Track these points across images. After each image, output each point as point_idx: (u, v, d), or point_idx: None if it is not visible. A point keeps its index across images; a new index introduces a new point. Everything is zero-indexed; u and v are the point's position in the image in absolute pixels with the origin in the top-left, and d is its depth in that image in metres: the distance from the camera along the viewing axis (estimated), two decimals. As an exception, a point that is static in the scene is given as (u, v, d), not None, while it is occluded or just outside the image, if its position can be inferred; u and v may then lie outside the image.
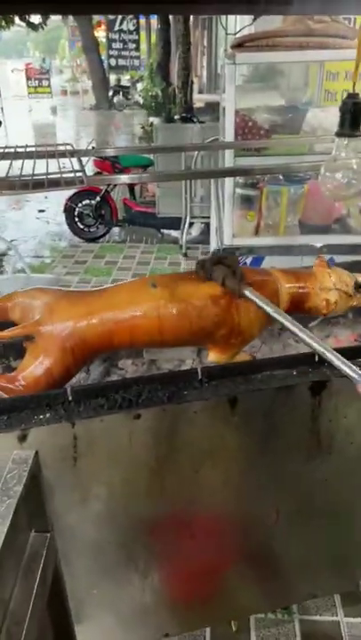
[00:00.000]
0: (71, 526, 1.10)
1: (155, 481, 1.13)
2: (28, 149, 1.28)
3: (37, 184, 0.93)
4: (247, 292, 1.11)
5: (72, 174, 0.95)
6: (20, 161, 1.21)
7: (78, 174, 0.95)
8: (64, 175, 0.94)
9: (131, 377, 1.22)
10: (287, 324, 1.06)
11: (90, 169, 5.84)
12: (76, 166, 1.05)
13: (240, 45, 2.17)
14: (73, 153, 1.15)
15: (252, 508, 1.25)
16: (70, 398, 1.06)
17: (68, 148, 1.26)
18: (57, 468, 1.03)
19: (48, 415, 1.04)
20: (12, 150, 1.29)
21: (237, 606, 1.48)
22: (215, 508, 1.22)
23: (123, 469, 1.10)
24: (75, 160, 1.13)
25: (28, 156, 1.24)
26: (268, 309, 1.08)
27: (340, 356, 1.00)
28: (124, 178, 1.78)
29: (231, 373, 1.14)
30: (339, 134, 1.02)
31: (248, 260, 2.11)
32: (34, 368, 1.13)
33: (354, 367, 0.98)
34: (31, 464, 0.87)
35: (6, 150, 1.31)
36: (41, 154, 1.22)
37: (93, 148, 1.27)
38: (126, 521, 1.15)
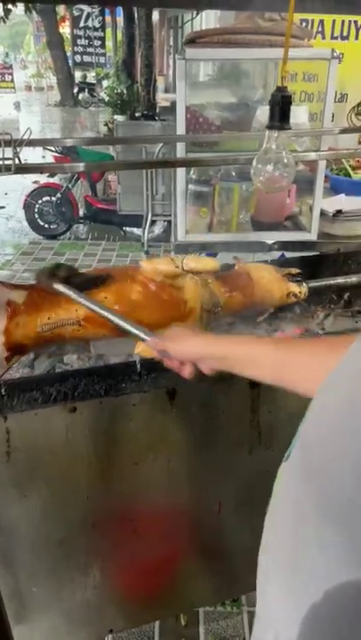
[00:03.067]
0: (8, 524, 1.07)
1: (94, 475, 1.12)
2: None
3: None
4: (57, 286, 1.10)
5: (0, 162, 0.93)
6: None
7: (7, 162, 0.93)
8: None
9: (67, 370, 1.20)
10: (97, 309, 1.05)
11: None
12: (9, 155, 1.03)
13: (192, 41, 2.17)
14: (9, 142, 1.12)
15: (195, 500, 1.25)
16: (3, 392, 1.04)
17: (7, 137, 1.23)
18: (-11, 464, 1.00)
19: (-21, 409, 1.01)
20: None
21: (185, 599, 1.48)
22: (157, 501, 1.22)
23: (60, 463, 1.08)
24: (10, 149, 1.10)
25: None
26: (81, 300, 1.07)
27: (125, 319, 1.01)
28: (60, 167, 1.74)
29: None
30: (269, 127, 1.03)
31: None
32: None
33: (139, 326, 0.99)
34: None
35: None
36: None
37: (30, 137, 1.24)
38: (66, 516, 1.14)
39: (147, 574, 1.32)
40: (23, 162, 1.16)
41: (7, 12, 11.19)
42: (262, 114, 2.07)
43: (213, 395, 1.13)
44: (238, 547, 1.40)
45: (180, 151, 1.97)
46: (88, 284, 1.14)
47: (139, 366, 1.11)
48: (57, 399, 1.04)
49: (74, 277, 1.13)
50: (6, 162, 0.92)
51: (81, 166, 1.59)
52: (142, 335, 0.97)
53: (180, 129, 1.93)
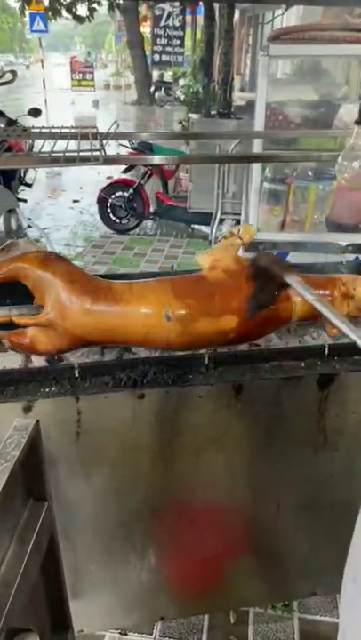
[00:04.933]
0: (71, 499, 1.12)
1: (156, 462, 1.14)
2: (53, 130, 1.30)
3: (54, 160, 0.95)
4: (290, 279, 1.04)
5: (89, 153, 0.97)
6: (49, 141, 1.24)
7: (96, 153, 0.97)
8: (81, 153, 0.96)
9: (138, 357, 1.23)
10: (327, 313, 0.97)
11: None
12: (97, 147, 1.07)
13: (276, 38, 2.15)
14: (96, 135, 1.16)
15: (254, 498, 1.25)
16: (77, 374, 1.08)
17: (93, 130, 1.28)
18: (59, 441, 1.05)
19: (54, 389, 1.06)
20: (41, 131, 1.32)
21: (237, 597, 1.47)
22: (216, 495, 1.23)
23: (125, 448, 1.11)
24: (97, 142, 1.14)
25: (56, 136, 1.27)
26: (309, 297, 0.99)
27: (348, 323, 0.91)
28: (143, 159, 1.78)
29: (238, 360, 1.14)
30: (358, 122, 1.00)
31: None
32: (43, 346, 1.11)
33: None
34: (31, 431, 0.89)
35: (39, 131, 1.34)
36: (65, 135, 1.25)
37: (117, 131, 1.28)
38: (126, 500, 1.17)
39: (201, 566, 1.33)
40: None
41: (92, 10, 11.58)
42: (346, 112, 2.01)
43: (280, 393, 1.12)
44: (293, 551, 1.39)
45: (258, 148, 1.96)
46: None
47: (207, 359, 1.12)
48: (127, 385, 1.06)
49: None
50: (95, 152, 0.96)
51: (158, 159, 1.62)
52: None
53: (259, 126, 1.92)
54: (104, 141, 1.17)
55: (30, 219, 4.24)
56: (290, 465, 1.20)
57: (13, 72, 1.00)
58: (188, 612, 1.51)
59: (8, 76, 1.02)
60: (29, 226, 4.53)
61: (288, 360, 1.15)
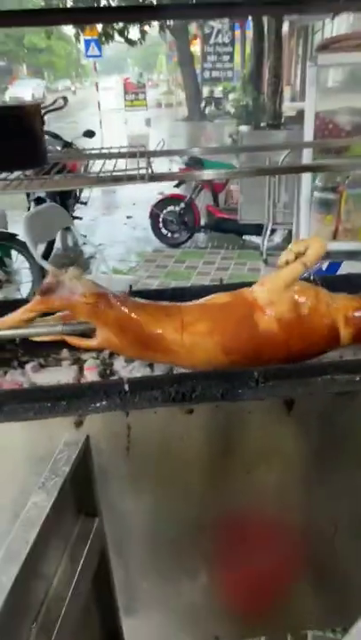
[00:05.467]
0: (121, 515, 1.12)
1: (206, 478, 1.12)
2: (103, 150, 1.34)
3: (101, 180, 0.98)
4: None
5: (136, 171, 0.98)
6: (98, 162, 1.28)
7: (142, 171, 0.98)
8: (128, 172, 0.97)
9: (186, 372, 1.22)
10: None
11: (176, 177, 5.97)
12: (144, 165, 1.09)
13: (325, 47, 2.12)
14: (143, 153, 1.18)
15: (308, 517, 1.20)
16: (127, 389, 1.09)
17: (141, 149, 1.30)
18: (110, 456, 1.06)
19: (104, 403, 1.07)
20: (91, 152, 1.36)
21: (294, 619, 1.42)
22: (268, 513, 1.19)
23: (174, 463, 1.10)
24: (144, 160, 1.16)
25: (105, 156, 1.31)
26: None
27: None
28: (189, 175, 1.79)
29: (289, 375, 1.10)
30: None
31: (324, 266, 2.04)
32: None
33: None
34: (81, 446, 0.90)
35: (89, 152, 1.39)
36: (114, 155, 1.28)
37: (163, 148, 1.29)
38: (176, 516, 1.16)
39: (255, 586, 1.29)
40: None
41: (143, 33, 11.93)
42: None
43: (334, 409, 1.08)
44: (354, 573, 1.32)
45: (307, 158, 1.93)
46: None
47: (256, 373, 1.10)
48: (175, 399, 1.06)
49: None
50: (141, 171, 0.98)
51: (205, 174, 1.62)
52: None
53: (309, 135, 1.89)
54: (151, 159, 1.19)
55: (85, 235, 4.39)
56: (346, 483, 1.15)
57: (64, 98, 1.05)
58: (244, 633, 1.47)
59: (60, 102, 1.06)
60: (85, 243, 4.68)
61: (342, 373, 1.11)
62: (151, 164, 1.15)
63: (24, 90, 27.21)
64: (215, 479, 1.12)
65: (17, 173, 1.07)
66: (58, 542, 0.86)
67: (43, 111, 1.13)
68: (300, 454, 1.12)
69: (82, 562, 0.91)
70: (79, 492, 0.93)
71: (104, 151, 1.34)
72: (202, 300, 1.16)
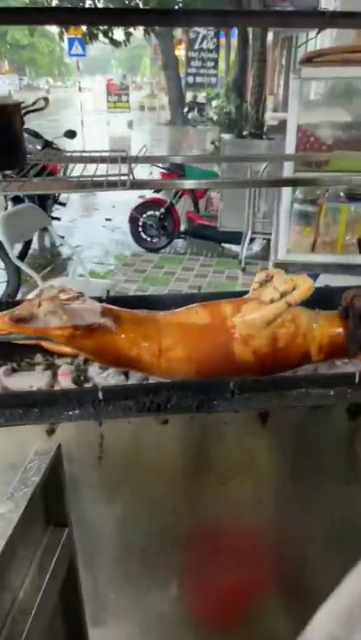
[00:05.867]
0: (92, 525, 1.10)
1: (180, 489, 1.12)
2: (83, 154, 1.32)
3: (81, 185, 0.96)
4: None
5: (117, 177, 0.97)
6: (79, 165, 1.26)
7: (123, 177, 0.97)
8: (108, 178, 0.96)
9: (162, 382, 1.21)
10: None
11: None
12: (125, 171, 1.07)
13: (309, 61, 2.14)
14: (124, 159, 1.17)
15: (281, 530, 1.21)
16: (100, 397, 1.07)
17: (123, 154, 1.29)
18: (81, 465, 1.04)
19: (77, 412, 1.05)
20: (72, 155, 1.34)
21: (262, 633, 1.42)
22: (241, 525, 1.19)
23: (148, 473, 1.09)
24: (125, 165, 1.15)
25: (86, 160, 1.29)
26: None
27: None
28: (187, 183, 1.79)
29: (264, 387, 1.11)
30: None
31: (301, 277, 2.05)
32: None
33: None
34: (52, 456, 0.88)
35: (70, 155, 1.37)
36: (96, 159, 1.26)
37: (146, 155, 1.29)
38: (148, 527, 1.14)
39: (225, 599, 1.28)
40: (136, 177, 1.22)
41: (128, 35, 11.92)
42: (379, 133, 1.99)
43: (308, 422, 1.08)
44: (323, 587, 1.33)
45: (288, 170, 1.95)
46: None
47: (232, 384, 1.10)
48: (150, 409, 1.05)
49: None
50: (122, 177, 0.97)
51: (187, 183, 1.62)
52: None
53: (290, 147, 1.91)
54: (133, 165, 1.18)
55: (63, 237, 4.33)
56: (319, 497, 1.16)
57: (46, 99, 1.03)
58: (211, 645, 1.46)
59: (40, 103, 1.05)
60: (62, 244, 4.62)
61: (317, 387, 1.11)
62: (133, 170, 1.14)
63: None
64: (189, 490, 1.12)
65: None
66: (26, 553, 0.84)
67: (23, 111, 1.11)
68: (274, 466, 1.13)
69: (50, 573, 0.89)
70: (49, 502, 0.91)
71: (85, 154, 1.33)
72: (181, 315, 1.16)
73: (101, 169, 1.18)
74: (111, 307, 1.16)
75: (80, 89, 13.05)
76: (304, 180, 1.50)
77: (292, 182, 1.69)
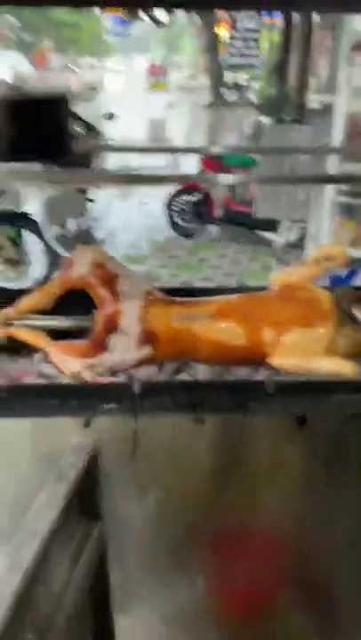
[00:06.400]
0: (124, 520, 1.11)
1: (212, 488, 1.11)
2: (126, 144, 1.30)
3: (127, 179, 0.95)
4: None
5: (161, 172, 0.95)
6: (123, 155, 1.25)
7: (168, 171, 0.95)
8: (153, 172, 0.94)
9: (199, 380, 1.20)
10: None
11: (196, 166, 5.90)
12: (173, 164, 1.05)
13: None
14: (168, 150, 1.15)
15: (310, 535, 1.19)
16: (136, 392, 1.07)
17: (164, 145, 1.27)
18: (116, 460, 1.04)
19: (114, 405, 1.05)
20: (112, 144, 1.33)
21: (286, 634, 1.41)
22: (271, 528, 1.18)
23: (180, 471, 1.09)
24: (172, 158, 1.13)
25: (128, 149, 1.28)
26: None
27: None
28: (223, 178, 1.75)
29: (302, 390, 1.08)
30: None
31: (343, 274, 2.00)
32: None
33: None
34: (88, 451, 0.89)
35: (108, 144, 1.36)
36: (137, 149, 1.25)
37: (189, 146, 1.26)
38: (178, 524, 1.15)
39: (251, 599, 1.28)
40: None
41: (170, 14, 11.71)
42: None
43: (347, 430, 1.06)
44: (345, 594, 1.31)
45: (334, 163, 1.88)
46: None
47: (269, 386, 1.08)
48: (186, 408, 1.04)
49: None
50: (164, 172, 0.94)
51: (226, 178, 1.58)
52: None
53: (337, 137, 1.84)
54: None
55: (98, 219, 4.34)
56: (352, 505, 1.13)
57: (94, 89, 1.00)
58: (234, 640, 1.47)
59: (88, 94, 1.02)
60: (96, 227, 4.63)
61: (357, 394, 1.08)
62: (176, 163, 1.12)
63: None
64: (221, 489, 1.11)
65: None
66: (60, 547, 0.85)
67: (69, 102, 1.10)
68: (308, 471, 1.11)
69: (81, 565, 0.90)
70: (84, 497, 0.92)
71: (128, 144, 1.31)
72: None
73: (141, 158, 1.16)
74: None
75: (121, 70, 12.94)
76: (351, 177, 1.44)
77: (338, 179, 1.63)
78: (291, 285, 1.16)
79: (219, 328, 1.15)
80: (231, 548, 1.18)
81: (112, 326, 1.14)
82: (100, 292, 1.15)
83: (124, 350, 1.15)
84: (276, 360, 1.10)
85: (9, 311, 1.19)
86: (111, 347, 1.14)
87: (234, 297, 1.18)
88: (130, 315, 1.13)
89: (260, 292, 1.20)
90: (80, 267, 1.15)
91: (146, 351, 1.19)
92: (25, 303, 1.20)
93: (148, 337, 1.18)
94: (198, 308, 1.17)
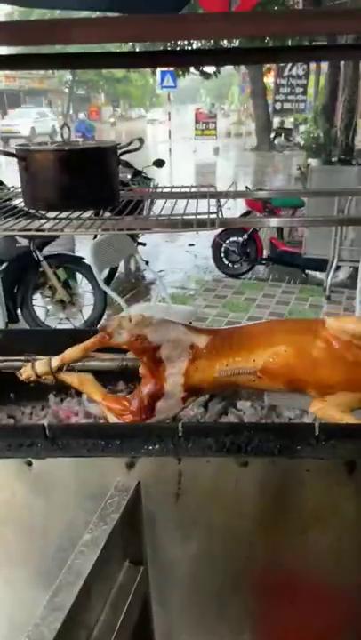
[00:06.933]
0: (167, 564, 1.09)
1: (257, 534, 1.08)
2: (173, 190, 1.35)
3: (172, 224, 0.98)
4: None
5: (206, 216, 0.98)
6: (170, 200, 1.30)
7: (212, 216, 0.98)
8: (198, 217, 0.97)
9: (243, 422, 1.19)
10: None
11: (241, 207, 5.98)
12: (214, 208, 1.08)
13: None
14: (213, 195, 1.18)
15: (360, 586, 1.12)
16: (180, 434, 1.07)
17: (211, 189, 1.31)
18: (159, 502, 1.03)
19: (157, 447, 1.05)
20: (159, 190, 1.38)
21: None
22: (321, 577, 1.12)
23: (225, 515, 1.06)
24: (214, 202, 1.16)
25: (175, 195, 1.33)
26: None
27: None
28: (273, 221, 1.77)
29: (351, 434, 1.05)
30: None
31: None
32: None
33: None
34: (132, 493, 0.89)
35: (156, 190, 1.41)
36: (184, 195, 1.29)
37: (234, 189, 1.29)
38: (223, 570, 1.11)
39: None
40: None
41: (219, 67, 12.24)
42: None
43: None
44: None
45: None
46: None
47: (317, 430, 1.05)
48: (230, 450, 1.03)
49: None
50: (211, 216, 0.97)
51: (273, 221, 1.60)
52: None
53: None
54: (221, 201, 1.19)
55: (147, 262, 4.45)
56: None
57: (141, 139, 1.07)
58: None
59: (136, 144, 1.09)
60: (145, 269, 4.75)
61: None
62: (221, 207, 1.15)
63: (22, 120, 22.09)
64: (266, 535, 1.07)
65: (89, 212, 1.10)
66: (101, 590, 0.85)
67: (119, 152, 1.16)
68: (358, 520, 1.05)
69: (125, 611, 0.89)
70: (126, 539, 0.91)
71: (174, 190, 1.36)
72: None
73: (191, 203, 1.20)
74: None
75: (170, 119, 13.53)
76: None
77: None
78: (341, 339, 1.13)
79: (264, 385, 1.16)
80: (277, 595, 1.13)
81: (156, 398, 1.17)
82: (141, 369, 1.20)
83: (169, 411, 1.17)
84: (313, 408, 1.11)
85: (55, 361, 1.25)
86: (158, 410, 1.17)
87: (281, 348, 1.15)
88: (174, 381, 1.16)
89: (309, 340, 1.16)
90: (118, 338, 1.18)
91: (190, 402, 1.21)
92: (68, 355, 1.25)
93: (194, 391, 1.21)
94: (243, 362, 1.16)
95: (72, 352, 1.24)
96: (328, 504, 1.04)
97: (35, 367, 1.27)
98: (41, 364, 1.26)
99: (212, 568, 1.11)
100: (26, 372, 1.27)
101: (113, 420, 1.21)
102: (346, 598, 1.15)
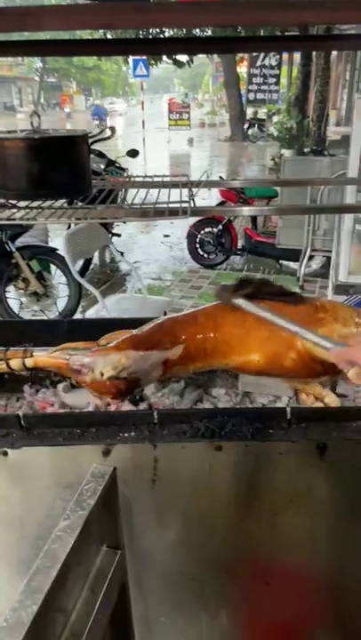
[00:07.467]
0: (144, 548, 1.10)
1: (231, 517, 1.10)
2: (146, 179, 1.35)
3: (144, 213, 0.99)
4: (237, 301, 1.15)
5: (178, 205, 0.99)
6: (143, 190, 1.30)
7: (184, 205, 0.98)
8: (170, 205, 0.98)
9: (217, 407, 1.21)
10: (280, 322, 1.06)
11: (216, 197, 6.00)
12: (187, 198, 1.09)
13: (374, 79, 2.10)
14: (185, 184, 1.19)
15: (336, 565, 1.16)
16: (156, 420, 1.08)
17: (183, 179, 1.31)
18: (135, 487, 1.05)
19: (133, 434, 1.07)
20: (133, 180, 1.38)
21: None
22: (294, 558, 1.16)
23: (201, 499, 1.08)
24: (186, 191, 1.17)
25: (148, 185, 1.33)
26: (260, 313, 1.10)
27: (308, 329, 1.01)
28: (245, 210, 1.79)
29: (323, 418, 1.08)
30: None
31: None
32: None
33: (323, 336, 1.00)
34: (108, 479, 0.90)
35: (129, 180, 1.41)
36: (157, 184, 1.29)
37: (207, 179, 1.30)
38: (199, 553, 1.13)
39: (275, 632, 1.25)
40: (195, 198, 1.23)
41: (192, 56, 12.16)
42: None
43: (369, 456, 1.04)
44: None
45: (351, 193, 1.91)
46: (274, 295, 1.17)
47: (289, 413, 1.08)
48: (204, 435, 1.05)
49: (263, 288, 1.19)
50: (183, 205, 0.98)
51: (246, 210, 1.62)
52: (327, 344, 0.97)
53: (353, 169, 1.87)
54: (194, 190, 1.19)
55: (122, 253, 4.43)
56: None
57: (112, 128, 1.06)
58: None
59: (107, 132, 1.08)
60: (121, 260, 4.73)
61: (378, 420, 1.07)
62: (193, 196, 1.16)
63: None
64: (241, 518, 1.10)
65: (62, 201, 1.09)
66: (79, 576, 0.86)
67: (90, 140, 1.15)
68: (330, 501, 1.09)
69: (102, 595, 0.90)
70: (103, 525, 0.92)
71: (147, 179, 1.36)
72: None
73: (163, 193, 1.20)
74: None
75: (143, 108, 13.41)
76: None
77: (357, 209, 1.65)
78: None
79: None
80: (254, 578, 1.16)
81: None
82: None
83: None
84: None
85: (29, 361, 1.24)
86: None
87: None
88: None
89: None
90: (97, 375, 1.15)
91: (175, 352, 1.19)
92: (41, 362, 1.25)
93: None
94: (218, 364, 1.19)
95: (45, 360, 1.24)
96: (301, 486, 1.07)
97: (10, 364, 1.26)
98: (15, 362, 1.26)
99: (188, 552, 1.13)
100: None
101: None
102: (319, 578, 1.19)
